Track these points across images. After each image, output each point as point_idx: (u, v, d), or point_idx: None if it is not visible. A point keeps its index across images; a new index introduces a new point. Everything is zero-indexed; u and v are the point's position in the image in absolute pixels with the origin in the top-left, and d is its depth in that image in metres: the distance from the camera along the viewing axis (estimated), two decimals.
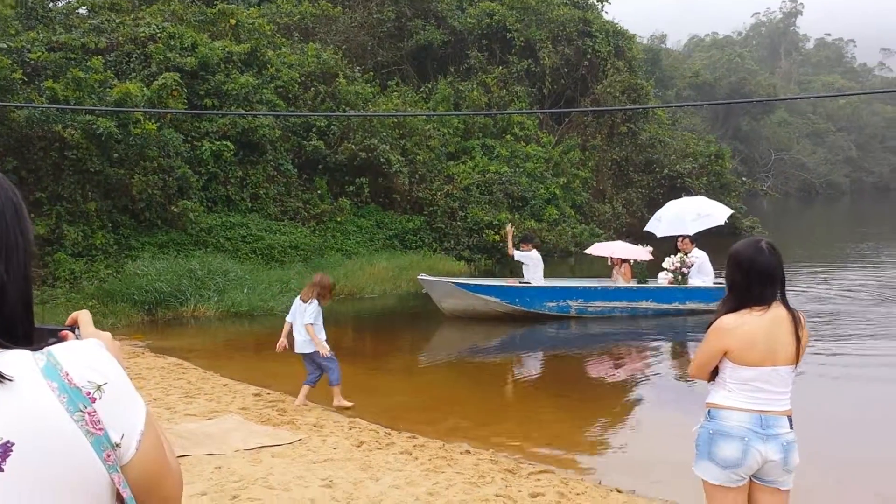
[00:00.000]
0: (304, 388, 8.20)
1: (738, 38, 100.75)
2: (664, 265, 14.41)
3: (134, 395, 1.32)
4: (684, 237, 14.30)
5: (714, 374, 3.78)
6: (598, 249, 15.21)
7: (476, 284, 13.91)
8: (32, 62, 15.29)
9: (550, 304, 13.83)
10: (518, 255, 13.84)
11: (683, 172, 30.04)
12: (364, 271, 16.90)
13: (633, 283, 14.31)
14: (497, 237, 20.87)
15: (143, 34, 17.91)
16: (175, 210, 15.81)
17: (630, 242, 16.23)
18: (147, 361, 10.10)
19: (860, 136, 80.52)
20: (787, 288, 3.77)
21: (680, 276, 14.22)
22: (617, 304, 14.06)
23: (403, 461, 6.34)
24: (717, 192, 30.78)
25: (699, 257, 14.25)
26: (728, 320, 3.66)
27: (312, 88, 20.19)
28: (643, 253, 14.37)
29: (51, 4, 19.73)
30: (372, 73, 24.09)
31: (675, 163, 30.53)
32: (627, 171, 30.13)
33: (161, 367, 9.74)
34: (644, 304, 14.12)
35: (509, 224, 15.30)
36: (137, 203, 15.41)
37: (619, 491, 5.94)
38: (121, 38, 17.81)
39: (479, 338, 12.89)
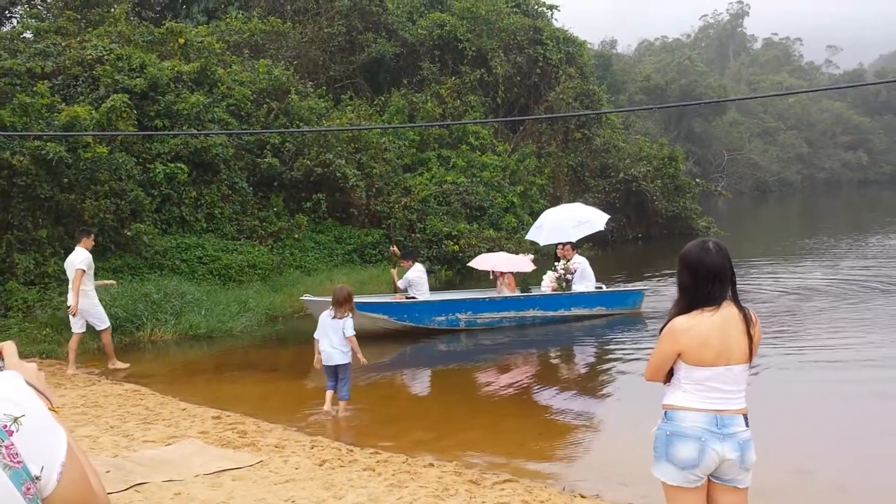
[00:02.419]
0: (328, 394, 8.72)
1: (688, 40, 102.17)
2: (545, 278, 14.63)
3: (53, 425, 1.30)
4: (565, 244, 14.53)
5: (669, 376, 3.80)
6: (479, 263, 14.90)
7: (363, 303, 13.40)
8: None
9: (440, 318, 13.69)
10: (402, 282, 13.61)
11: (638, 176, 30.30)
12: (324, 287, 16.77)
13: (518, 293, 14.41)
14: (457, 247, 20.89)
15: (90, 56, 17.64)
16: (129, 234, 15.56)
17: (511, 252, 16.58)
18: (104, 389, 9.92)
19: (811, 134, 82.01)
20: (740, 286, 3.81)
21: (564, 283, 14.42)
22: (505, 314, 14.08)
23: (367, 478, 6.29)
24: (671, 193, 31.19)
25: (581, 263, 14.54)
26: (680, 322, 3.68)
27: (265, 105, 20.03)
28: (525, 263, 14.44)
29: None
30: (325, 88, 24.00)
31: (629, 167, 30.80)
32: (583, 177, 30.34)
33: (118, 394, 9.57)
34: (531, 313, 14.20)
35: (393, 247, 14.88)
36: (90, 228, 15.15)
37: (582, 496, 5.95)
38: (67, 62, 17.52)
39: (408, 354, 12.77)
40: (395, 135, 23.54)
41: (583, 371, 11.43)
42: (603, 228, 15.33)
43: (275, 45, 24.95)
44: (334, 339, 8.55)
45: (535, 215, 25.60)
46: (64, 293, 14.09)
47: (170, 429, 7.87)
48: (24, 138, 14.10)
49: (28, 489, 1.23)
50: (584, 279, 14.52)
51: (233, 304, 14.66)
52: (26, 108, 14.55)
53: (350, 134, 20.96)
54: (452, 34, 27.48)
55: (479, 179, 24.03)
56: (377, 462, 6.73)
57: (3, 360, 1.48)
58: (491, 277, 14.79)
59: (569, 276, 14.41)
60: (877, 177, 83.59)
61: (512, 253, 16.86)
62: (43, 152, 14.02)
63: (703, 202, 37.34)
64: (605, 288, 15.00)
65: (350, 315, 8.61)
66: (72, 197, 14.83)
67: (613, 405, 9.20)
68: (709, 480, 3.70)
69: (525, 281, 14.66)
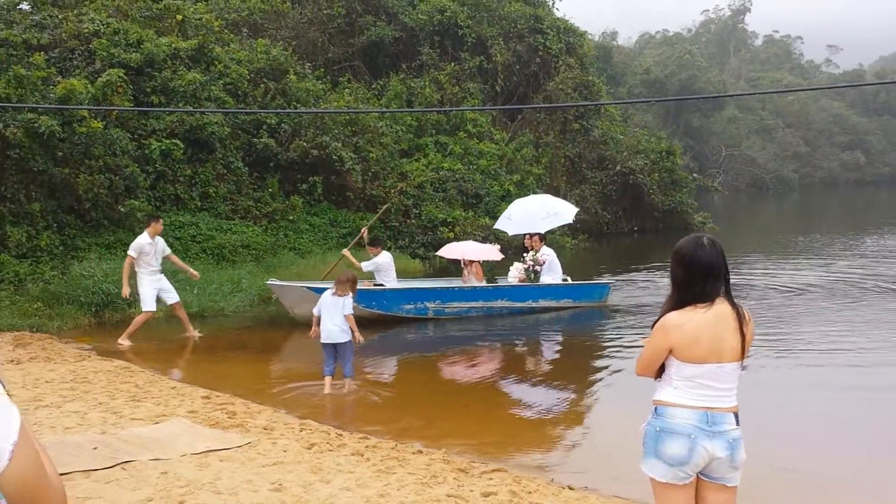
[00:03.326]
0: (327, 380, 8.85)
1: (688, 35, 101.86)
2: (513, 269, 14.62)
3: (6, 404, 1.31)
4: (533, 235, 14.51)
5: (660, 372, 3.77)
6: (448, 251, 14.80)
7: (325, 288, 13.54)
8: None
9: (408, 307, 13.58)
10: (367, 266, 13.46)
11: (635, 169, 30.29)
12: (318, 270, 16.75)
13: (485, 283, 14.38)
14: (452, 234, 20.83)
15: (86, 30, 17.51)
16: (122, 210, 15.48)
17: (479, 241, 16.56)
18: (93, 365, 9.88)
19: (808, 132, 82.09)
20: (734, 282, 3.78)
21: (532, 274, 14.41)
22: (473, 304, 14.02)
23: (355, 462, 6.27)
24: (668, 187, 31.21)
25: (549, 255, 14.51)
26: (672, 317, 3.65)
27: (262, 85, 19.93)
28: (494, 252, 14.37)
29: None
30: (323, 70, 23.87)
31: (627, 159, 30.77)
32: (580, 168, 30.30)
33: (108, 371, 9.52)
34: (499, 304, 14.16)
35: (364, 229, 14.77)
36: (83, 203, 15.08)
37: (570, 488, 5.94)
38: (64, 34, 17.39)
39: (377, 342, 12.20)
40: (392, 119, 23.45)
41: (569, 363, 11.38)
42: (572, 221, 15.34)
43: (273, 25, 24.82)
44: (336, 317, 8.76)
45: None
46: (56, 266, 14.09)
47: (158, 407, 7.83)
48: (18, 110, 13.99)
49: None
50: (552, 271, 14.48)
51: (226, 284, 14.63)
52: (21, 79, 14.44)
53: (347, 117, 20.87)
54: (453, 20, 27.36)
55: (475, 167, 23.99)
56: (366, 447, 6.71)
57: None
58: (462, 266, 14.76)
59: (537, 268, 14.38)
60: (874, 177, 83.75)
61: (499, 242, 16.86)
62: (36, 125, 13.92)
63: (699, 197, 37.36)
64: (570, 280, 15.01)
65: (350, 294, 8.80)
66: (66, 171, 14.74)
67: (603, 398, 9.19)
68: (698, 478, 3.68)
69: (492, 271, 14.62)
